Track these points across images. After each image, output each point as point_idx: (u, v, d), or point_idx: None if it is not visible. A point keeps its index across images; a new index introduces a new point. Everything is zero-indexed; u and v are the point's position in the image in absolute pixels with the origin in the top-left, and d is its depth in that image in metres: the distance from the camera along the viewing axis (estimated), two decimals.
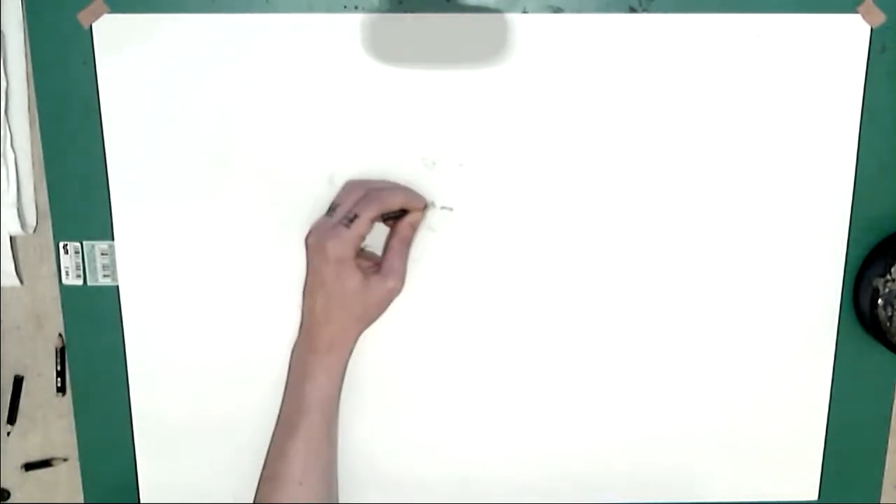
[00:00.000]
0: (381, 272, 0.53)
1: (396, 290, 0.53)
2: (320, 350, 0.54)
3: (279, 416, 0.56)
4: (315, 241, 0.52)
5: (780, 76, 0.55)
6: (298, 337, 0.56)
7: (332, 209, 0.53)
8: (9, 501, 0.62)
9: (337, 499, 0.56)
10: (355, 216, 0.51)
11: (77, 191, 0.56)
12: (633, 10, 0.54)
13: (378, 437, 0.61)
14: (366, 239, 0.53)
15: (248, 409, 0.60)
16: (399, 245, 0.54)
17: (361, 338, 0.58)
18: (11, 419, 0.61)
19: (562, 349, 0.60)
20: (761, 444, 0.62)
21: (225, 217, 0.57)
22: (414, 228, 0.55)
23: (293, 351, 0.56)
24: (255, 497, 0.55)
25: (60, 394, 0.60)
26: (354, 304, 0.52)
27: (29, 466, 0.61)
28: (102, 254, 0.57)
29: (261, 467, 0.55)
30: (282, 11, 0.54)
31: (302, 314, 0.55)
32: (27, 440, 0.61)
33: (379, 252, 0.56)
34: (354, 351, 0.58)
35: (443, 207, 0.57)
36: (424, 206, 0.55)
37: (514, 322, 0.59)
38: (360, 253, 0.54)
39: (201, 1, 0.53)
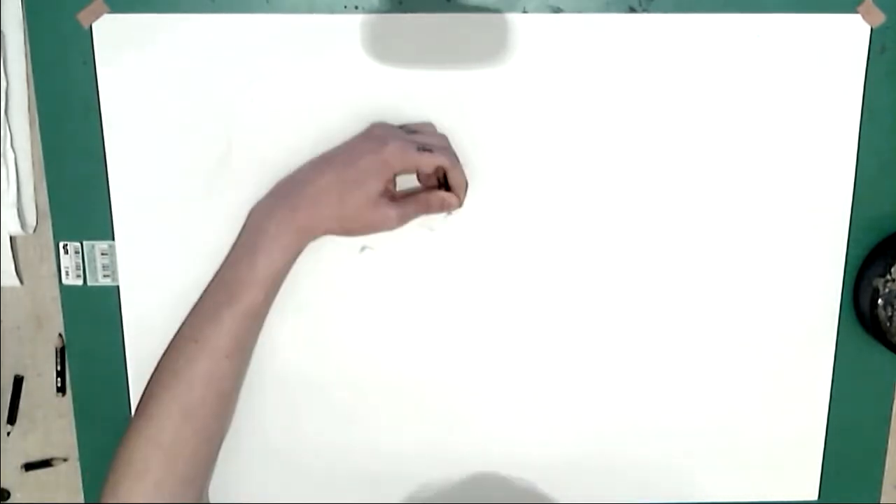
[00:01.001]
0: (393, 204, 0.52)
1: (388, 226, 0.53)
2: (290, 226, 0.51)
3: (218, 281, 0.53)
4: (383, 132, 0.52)
5: (780, 76, 0.55)
6: (268, 200, 0.53)
7: (409, 130, 0.54)
8: (9, 501, 0.62)
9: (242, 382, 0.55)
10: (431, 151, 0.51)
11: (77, 191, 0.56)
12: (633, 10, 0.54)
13: (377, 436, 0.61)
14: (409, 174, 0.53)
15: (246, 409, 0.60)
16: (423, 203, 0.54)
17: (360, 336, 0.58)
18: (11, 419, 0.61)
19: (562, 349, 0.60)
20: (761, 444, 0.62)
21: (225, 217, 0.56)
22: (441, 208, 0.54)
23: (254, 213, 0.54)
24: (170, 352, 0.52)
25: (60, 394, 0.60)
26: (351, 204, 0.51)
27: (29, 466, 0.61)
28: (102, 254, 0.57)
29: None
30: (282, 11, 0.54)
31: (292, 178, 0.53)
32: (27, 440, 0.61)
33: None
34: (352, 348, 0.58)
35: None
36: (459, 204, 0.55)
37: (514, 322, 0.59)
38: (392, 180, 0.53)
39: (201, 1, 0.53)
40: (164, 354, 0.53)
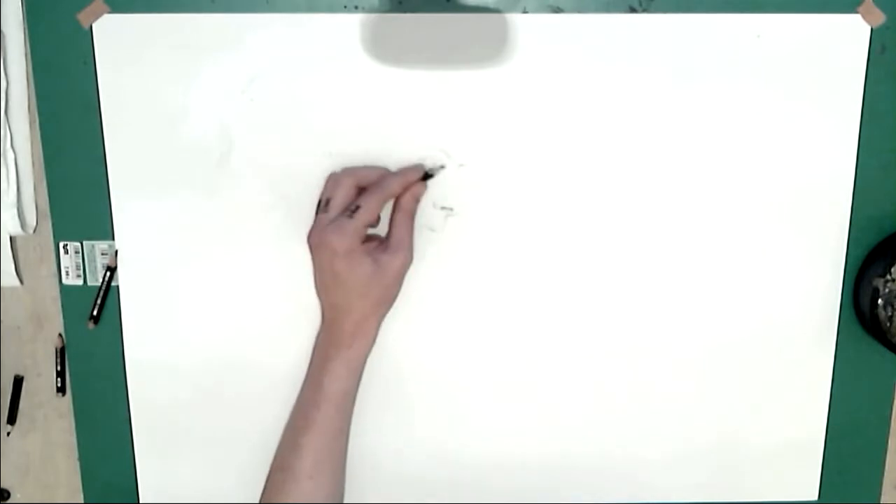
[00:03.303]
0: (388, 249, 0.53)
1: (407, 264, 0.53)
2: (343, 343, 0.53)
3: (295, 408, 0.56)
4: (319, 239, 0.52)
5: (780, 76, 0.55)
6: (321, 329, 0.56)
7: (324, 204, 0.53)
8: (9, 501, 0.62)
9: (343, 496, 0.56)
10: (357, 207, 0.51)
11: (77, 191, 0.56)
12: (633, 10, 0.54)
13: (376, 437, 0.61)
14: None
15: (247, 409, 0.60)
16: (403, 218, 0.54)
17: None
18: (11, 419, 0.61)
19: (563, 349, 0.60)
20: (761, 444, 0.62)
21: (225, 217, 0.57)
22: (417, 200, 0.54)
23: (316, 342, 0.56)
24: (265, 486, 0.55)
25: (60, 394, 0.60)
26: (372, 288, 0.52)
27: None
28: (102, 254, 0.57)
29: (269, 462, 0.55)
30: (282, 11, 0.54)
31: (322, 309, 0.55)
32: (27, 440, 0.61)
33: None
34: None
35: (443, 208, 0.57)
36: (425, 176, 0.55)
37: (514, 322, 0.59)
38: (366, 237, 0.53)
39: (201, 1, 0.53)
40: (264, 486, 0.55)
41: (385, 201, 0.53)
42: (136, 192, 0.56)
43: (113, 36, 0.54)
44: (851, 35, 0.55)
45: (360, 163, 0.55)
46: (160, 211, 0.57)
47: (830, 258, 0.59)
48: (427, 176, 0.55)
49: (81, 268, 0.58)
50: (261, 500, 0.55)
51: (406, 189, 0.54)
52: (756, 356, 0.60)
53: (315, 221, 0.53)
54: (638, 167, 0.57)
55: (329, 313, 0.54)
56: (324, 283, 0.53)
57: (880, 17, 0.54)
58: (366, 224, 0.52)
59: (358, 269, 0.51)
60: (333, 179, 0.54)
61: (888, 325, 0.58)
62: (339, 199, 0.52)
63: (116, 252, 0.57)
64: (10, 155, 0.55)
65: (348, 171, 0.54)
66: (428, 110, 0.55)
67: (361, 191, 0.53)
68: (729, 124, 0.56)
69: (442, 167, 0.56)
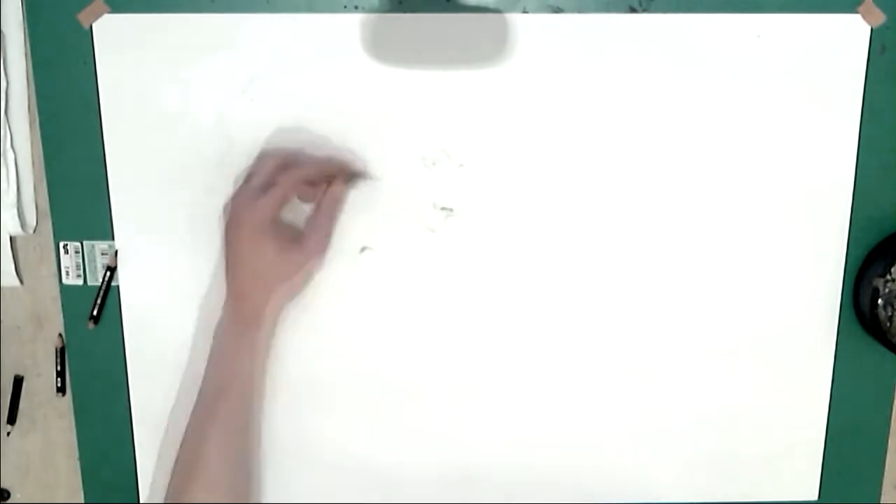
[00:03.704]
0: (297, 242, 0.52)
1: (313, 262, 0.52)
2: (241, 323, 0.52)
3: (198, 398, 0.54)
4: (231, 211, 0.51)
5: (780, 76, 0.55)
6: (222, 312, 0.55)
7: (247, 179, 0.53)
8: (9, 501, 0.62)
9: (259, 489, 0.54)
10: (272, 185, 0.51)
11: (77, 191, 0.56)
12: (633, 10, 0.54)
13: (376, 437, 0.61)
14: (281, 208, 0.52)
15: None
16: (321, 218, 0.53)
17: (361, 337, 0.58)
18: (11, 419, 0.61)
19: (561, 350, 0.60)
20: (761, 443, 0.62)
21: (225, 217, 0.57)
22: (336, 199, 0.54)
23: (216, 328, 0.55)
24: (170, 481, 0.53)
25: (60, 394, 0.60)
26: (270, 274, 0.51)
27: None
28: (102, 254, 0.57)
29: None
30: (282, 11, 0.54)
31: (226, 286, 0.54)
32: (27, 440, 0.61)
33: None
34: (353, 349, 0.58)
35: (443, 208, 0.57)
36: (353, 176, 0.54)
37: (513, 322, 0.59)
38: (282, 224, 0.53)
39: (201, 1, 0.53)
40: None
41: (299, 180, 0.52)
42: (136, 192, 0.56)
43: (113, 36, 0.54)
44: (851, 35, 0.55)
45: (361, 163, 0.55)
46: (160, 211, 0.57)
47: (830, 258, 0.59)
48: (353, 176, 0.54)
49: (81, 268, 0.58)
50: (169, 483, 0.53)
51: (326, 177, 0.53)
52: (756, 356, 0.60)
53: (235, 192, 0.53)
54: (637, 167, 0.57)
55: (228, 293, 0.53)
56: (227, 257, 0.52)
57: (880, 17, 0.54)
58: (277, 200, 0.51)
59: (260, 250, 0.50)
60: (263, 155, 0.54)
61: (888, 325, 0.58)
62: (260, 176, 0.52)
63: (116, 252, 0.57)
64: (10, 155, 0.55)
65: (275, 151, 0.54)
66: (428, 110, 0.55)
67: None
68: (729, 124, 0.56)
69: (367, 176, 0.55)
